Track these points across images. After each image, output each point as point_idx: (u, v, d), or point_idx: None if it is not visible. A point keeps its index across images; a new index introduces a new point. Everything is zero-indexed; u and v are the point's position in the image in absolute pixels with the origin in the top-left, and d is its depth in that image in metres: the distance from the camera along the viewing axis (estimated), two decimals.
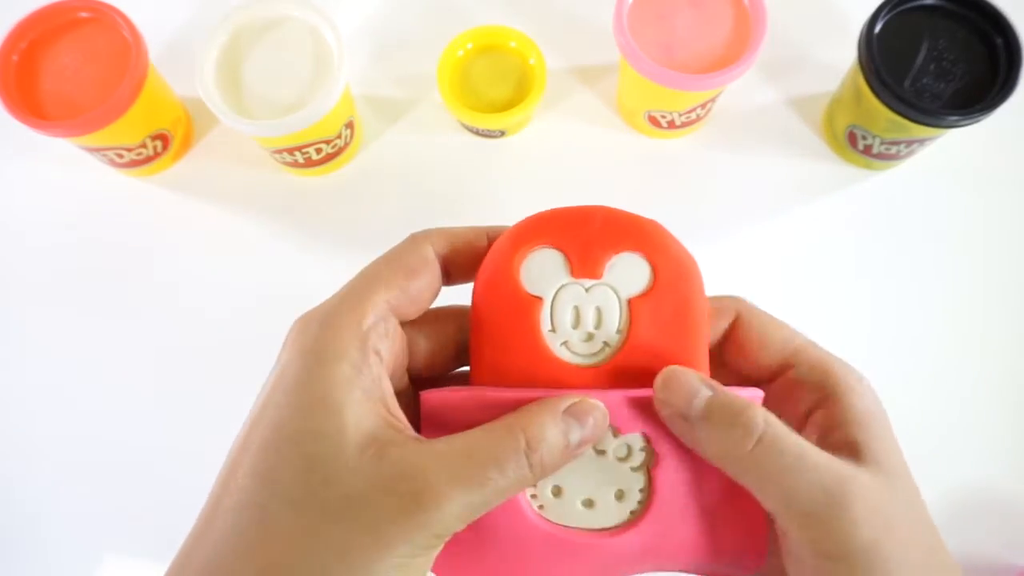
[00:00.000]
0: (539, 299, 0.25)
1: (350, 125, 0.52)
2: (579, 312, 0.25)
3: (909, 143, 0.50)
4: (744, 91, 0.56)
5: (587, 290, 0.25)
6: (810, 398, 0.25)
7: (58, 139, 0.50)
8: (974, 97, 0.47)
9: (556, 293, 0.25)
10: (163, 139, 0.53)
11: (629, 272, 0.25)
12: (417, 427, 0.24)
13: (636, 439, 0.24)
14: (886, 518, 0.21)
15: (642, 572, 0.25)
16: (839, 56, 0.53)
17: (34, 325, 0.53)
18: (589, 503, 0.25)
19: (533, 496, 0.24)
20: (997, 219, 0.54)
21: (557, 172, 0.55)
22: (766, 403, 0.24)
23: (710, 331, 0.26)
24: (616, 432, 0.24)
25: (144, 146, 0.52)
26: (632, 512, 0.24)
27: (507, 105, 0.52)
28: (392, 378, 0.24)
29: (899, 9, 0.48)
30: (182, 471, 0.50)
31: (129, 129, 0.50)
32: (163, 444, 0.50)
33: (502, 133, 0.55)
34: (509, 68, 0.53)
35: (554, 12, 0.58)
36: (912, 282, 0.53)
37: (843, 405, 0.24)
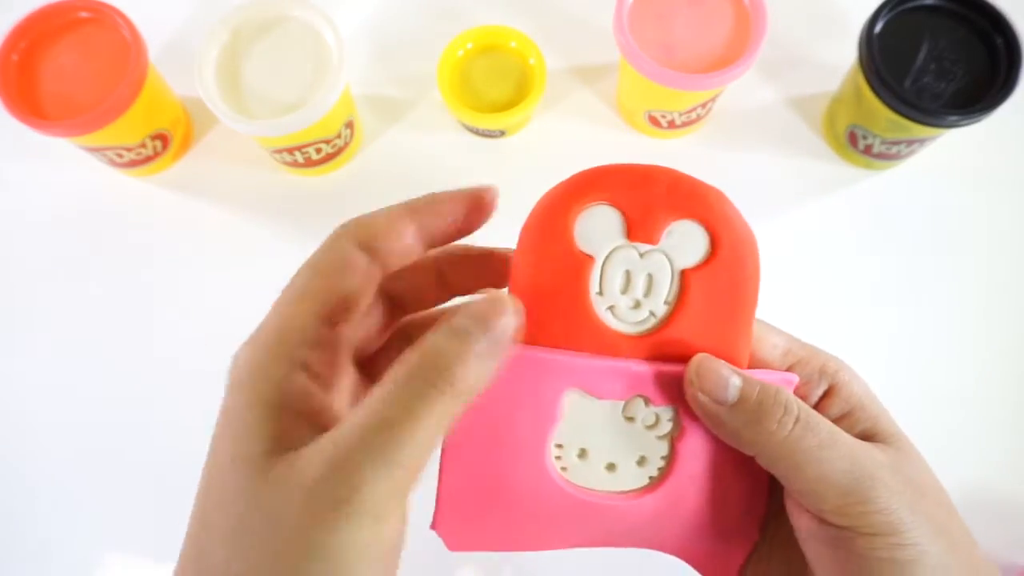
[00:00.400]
0: (591, 258, 0.24)
1: (350, 125, 0.52)
2: (630, 277, 0.24)
3: (909, 143, 0.50)
4: (744, 91, 0.55)
5: (641, 255, 0.24)
6: (813, 393, 0.26)
7: (58, 139, 0.50)
8: (974, 97, 0.47)
9: (609, 254, 0.24)
10: (163, 139, 0.53)
11: (687, 241, 0.24)
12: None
13: (666, 411, 0.24)
14: (916, 488, 0.23)
15: (650, 537, 0.26)
16: (839, 56, 0.53)
17: (34, 325, 0.53)
18: (611, 467, 0.25)
19: (558, 458, 0.25)
20: (997, 219, 0.54)
21: (557, 172, 0.54)
22: None
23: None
24: (648, 402, 0.24)
25: (144, 146, 0.52)
26: (651, 478, 0.25)
27: (507, 105, 0.52)
28: (367, 339, 0.24)
29: (899, 9, 0.48)
30: (182, 471, 0.50)
31: (129, 129, 0.50)
32: (163, 444, 0.50)
33: (502, 133, 0.55)
34: (509, 68, 0.53)
35: (554, 12, 0.58)
36: (912, 282, 0.53)
37: (845, 395, 0.25)
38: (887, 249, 0.53)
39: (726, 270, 0.24)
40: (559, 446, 0.25)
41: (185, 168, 0.56)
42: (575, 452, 0.25)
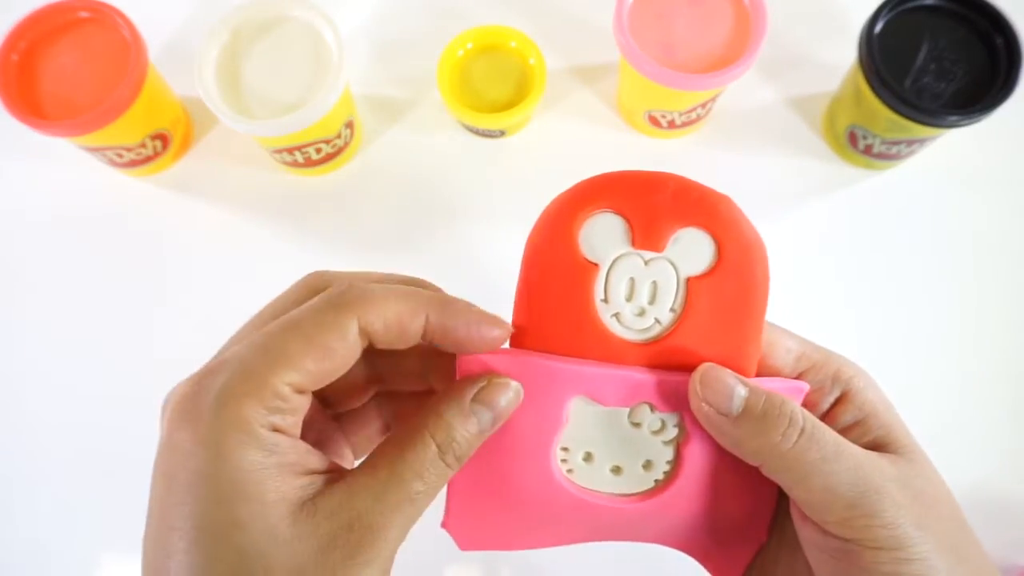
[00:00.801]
0: (596, 266, 0.24)
1: (350, 125, 0.52)
2: (634, 285, 0.24)
3: (909, 143, 0.50)
4: (744, 91, 0.55)
5: (646, 263, 0.24)
6: (825, 400, 0.26)
7: (58, 139, 0.50)
8: (974, 97, 0.47)
9: (614, 262, 0.24)
10: (163, 139, 0.53)
11: (692, 249, 0.24)
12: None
13: (671, 417, 0.25)
14: (924, 502, 0.22)
15: (656, 534, 0.26)
16: (839, 56, 0.53)
17: (34, 324, 0.53)
18: (617, 470, 0.25)
19: (564, 461, 0.25)
20: (997, 219, 0.54)
21: (557, 172, 0.54)
22: None
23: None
24: (653, 408, 0.24)
25: (144, 146, 0.52)
26: (656, 481, 0.25)
27: (507, 105, 0.52)
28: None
29: (899, 9, 0.48)
30: None
31: (129, 129, 0.50)
32: None
33: (502, 133, 0.55)
34: (509, 68, 0.53)
35: (554, 12, 0.58)
36: (912, 282, 0.53)
37: (859, 402, 0.25)
38: (887, 249, 0.53)
39: (732, 278, 0.24)
40: (565, 449, 0.25)
41: (185, 168, 0.56)
42: (581, 455, 0.25)
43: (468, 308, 0.24)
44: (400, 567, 0.24)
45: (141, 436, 0.51)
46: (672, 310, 0.24)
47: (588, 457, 0.25)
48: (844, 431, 0.25)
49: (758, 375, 0.25)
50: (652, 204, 0.24)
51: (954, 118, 0.46)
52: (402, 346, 0.24)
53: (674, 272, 0.24)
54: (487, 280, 0.44)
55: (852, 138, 0.52)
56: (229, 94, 0.48)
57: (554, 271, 0.24)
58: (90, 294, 0.53)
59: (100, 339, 0.53)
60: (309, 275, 0.26)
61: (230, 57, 0.49)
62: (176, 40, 0.58)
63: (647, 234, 0.24)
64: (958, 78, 0.47)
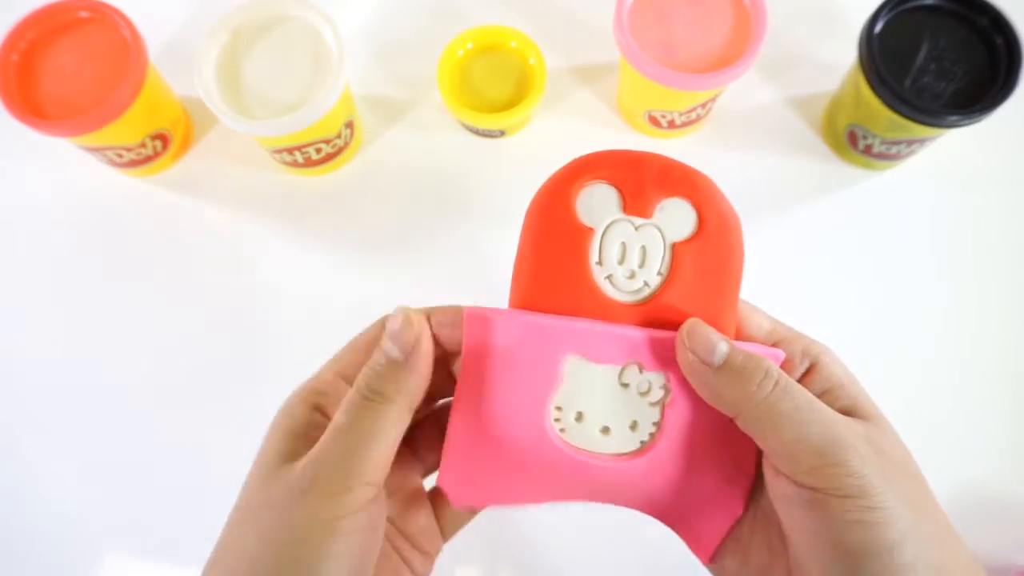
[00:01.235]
0: (591, 230, 0.26)
1: (350, 125, 0.52)
2: (626, 249, 0.26)
3: (909, 143, 0.50)
4: (744, 91, 0.56)
5: (636, 228, 0.27)
6: (795, 372, 0.27)
7: (58, 139, 0.50)
8: (974, 97, 0.47)
9: (608, 227, 0.27)
10: (163, 139, 0.53)
11: (677, 216, 0.26)
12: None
13: (658, 377, 0.26)
14: (886, 458, 0.24)
15: (639, 498, 0.28)
16: (839, 56, 0.53)
17: (33, 325, 0.53)
18: (606, 430, 0.27)
19: (557, 420, 0.26)
20: (996, 219, 0.54)
21: None
22: None
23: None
24: (641, 368, 0.26)
25: (144, 146, 0.52)
26: (642, 442, 0.27)
27: (507, 105, 0.52)
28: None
29: (899, 9, 0.48)
30: (182, 470, 0.50)
31: (128, 129, 0.50)
32: (163, 443, 0.50)
33: (502, 133, 0.55)
34: (509, 68, 0.53)
35: (554, 12, 0.58)
36: (912, 282, 0.53)
37: (826, 374, 0.26)
38: (887, 249, 0.53)
39: (713, 244, 0.26)
40: (558, 408, 0.26)
41: (185, 168, 0.56)
42: (573, 415, 0.26)
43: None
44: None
45: (141, 434, 0.51)
46: (659, 273, 0.26)
47: (579, 417, 0.26)
48: None
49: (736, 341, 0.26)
50: (641, 176, 0.27)
51: (954, 118, 0.46)
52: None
53: (661, 237, 0.26)
54: (487, 280, 0.44)
55: (852, 138, 0.52)
56: (229, 94, 0.48)
57: (553, 234, 0.26)
58: (90, 294, 0.53)
59: (100, 339, 0.53)
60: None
61: (230, 57, 0.49)
62: (176, 40, 0.58)
63: (637, 202, 0.26)
64: (958, 78, 0.47)
